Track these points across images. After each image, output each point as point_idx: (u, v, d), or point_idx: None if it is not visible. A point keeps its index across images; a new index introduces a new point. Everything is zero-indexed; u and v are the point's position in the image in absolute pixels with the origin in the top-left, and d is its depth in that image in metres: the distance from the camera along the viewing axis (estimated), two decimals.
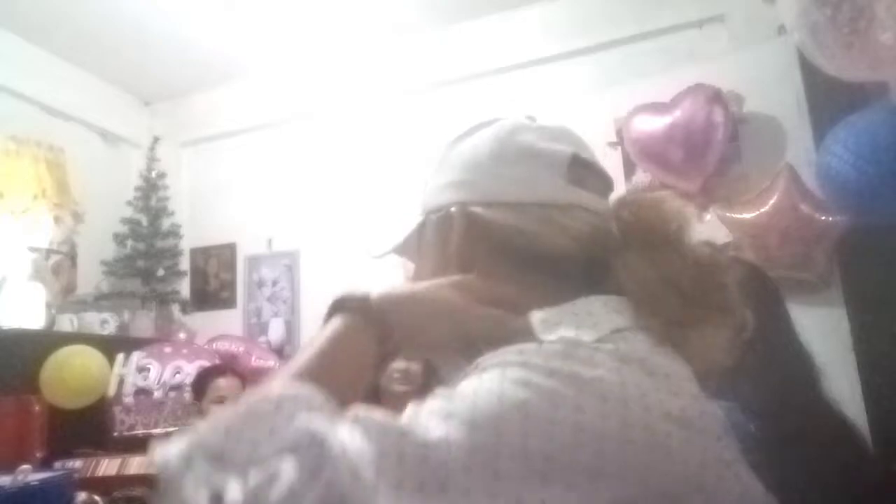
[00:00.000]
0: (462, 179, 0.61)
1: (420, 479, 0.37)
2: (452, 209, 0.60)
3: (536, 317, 0.51)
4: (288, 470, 0.36)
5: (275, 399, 0.42)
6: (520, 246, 0.57)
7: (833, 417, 1.12)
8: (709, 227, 2.42)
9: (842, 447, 1.08)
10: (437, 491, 0.36)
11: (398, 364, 2.17)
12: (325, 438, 0.37)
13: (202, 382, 2.40)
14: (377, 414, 0.41)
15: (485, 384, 0.42)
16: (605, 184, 0.63)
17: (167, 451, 0.39)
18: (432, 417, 0.41)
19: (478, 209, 0.58)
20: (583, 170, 0.60)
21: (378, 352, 0.58)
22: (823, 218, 2.12)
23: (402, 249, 0.67)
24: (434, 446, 0.38)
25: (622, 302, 0.53)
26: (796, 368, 1.15)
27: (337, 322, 0.55)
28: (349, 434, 0.38)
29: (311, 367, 0.50)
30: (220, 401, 2.30)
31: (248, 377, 2.60)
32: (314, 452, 0.36)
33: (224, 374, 2.46)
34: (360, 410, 0.42)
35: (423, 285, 0.59)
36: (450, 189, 0.61)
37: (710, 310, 0.53)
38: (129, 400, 2.65)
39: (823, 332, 1.99)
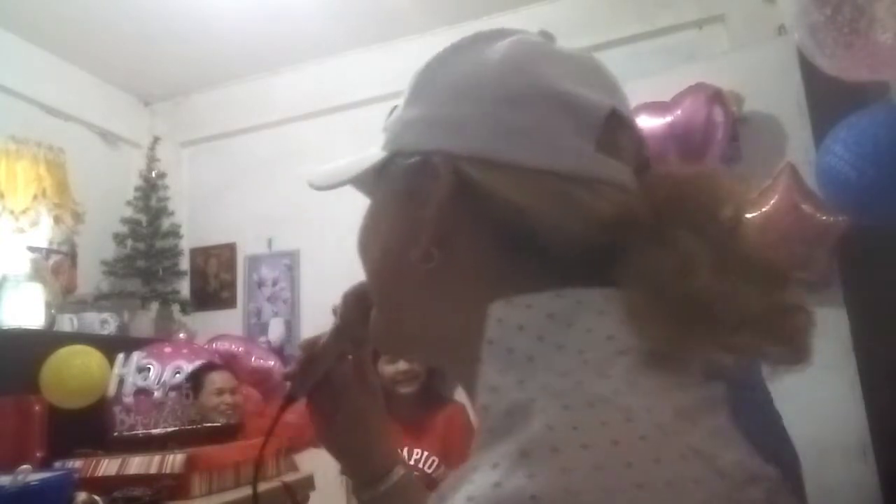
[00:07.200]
0: (451, 118, 0.45)
1: None
2: (436, 160, 0.44)
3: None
4: None
5: None
6: (519, 229, 0.42)
7: None
8: None
9: None
10: None
11: (401, 366, 2.18)
12: None
13: (198, 379, 2.52)
14: None
15: None
16: (637, 149, 0.46)
17: None
18: None
19: (472, 169, 0.43)
20: (618, 130, 0.44)
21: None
22: (824, 218, 2.12)
23: (358, 183, 0.54)
24: None
25: (620, 305, 0.39)
26: None
27: None
28: None
29: None
30: (219, 393, 2.47)
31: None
32: None
33: (216, 368, 2.61)
34: None
35: None
36: (433, 128, 0.46)
37: (765, 335, 0.38)
38: (129, 400, 2.65)
39: (823, 332, 1.98)
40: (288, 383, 0.65)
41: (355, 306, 0.58)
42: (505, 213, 0.42)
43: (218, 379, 2.51)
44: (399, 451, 0.71)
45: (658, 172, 0.45)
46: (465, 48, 0.48)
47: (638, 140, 0.46)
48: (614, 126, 0.44)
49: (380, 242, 0.49)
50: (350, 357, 0.65)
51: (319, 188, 0.54)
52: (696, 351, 0.38)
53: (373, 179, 0.51)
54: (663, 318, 0.37)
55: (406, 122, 0.48)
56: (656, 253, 0.39)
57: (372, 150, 0.51)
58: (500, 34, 0.48)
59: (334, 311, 0.62)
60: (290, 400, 0.64)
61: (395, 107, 0.51)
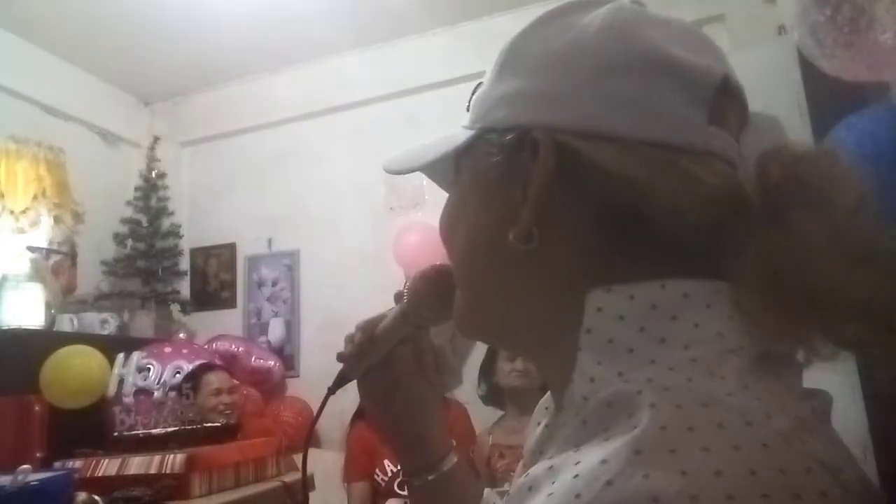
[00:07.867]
0: (550, 91, 0.41)
1: None
2: (536, 134, 0.40)
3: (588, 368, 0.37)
4: None
5: None
6: (626, 203, 0.38)
7: None
8: None
9: None
10: None
11: None
12: None
13: (195, 380, 2.53)
14: None
15: None
16: (744, 121, 0.43)
17: None
18: None
19: (574, 141, 0.39)
20: (728, 101, 0.41)
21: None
22: None
23: (432, 169, 0.49)
24: None
25: (727, 299, 0.37)
26: None
27: None
28: None
29: None
30: (217, 393, 2.48)
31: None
32: None
33: (213, 368, 2.61)
34: None
35: None
36: (528, 102, 0.42)
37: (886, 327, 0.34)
38: (129, 400, 2.65)
39: None
40: (341, 365, 0.63)
41: (426, 291, 0.57)
42: (611, 188, 0.38)
43: (215, 379, 2.51)
44: (452, 439, 0.69)
45: (771, 148, 0.40)
46: (555, 19, 0.44)
47: (744, 111, 0.43)
48: (724, 95, 0.41)
49: (470, 223, 0.46)
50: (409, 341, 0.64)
51: (397, 172, 0.51)
52: (809, 349, 0.37)
53: (452, 162, 0.48)
54: (777, 316, 0.35)
55: (496, 98, 0.44)
56: (770, 239, 0.36)
57: (451, 132, 0.48)
58: (592, 3, 0.43)
59: (397, 298, 0.61)
60: (342, 381, 0.63)
61: (479, 84, 0.47)
